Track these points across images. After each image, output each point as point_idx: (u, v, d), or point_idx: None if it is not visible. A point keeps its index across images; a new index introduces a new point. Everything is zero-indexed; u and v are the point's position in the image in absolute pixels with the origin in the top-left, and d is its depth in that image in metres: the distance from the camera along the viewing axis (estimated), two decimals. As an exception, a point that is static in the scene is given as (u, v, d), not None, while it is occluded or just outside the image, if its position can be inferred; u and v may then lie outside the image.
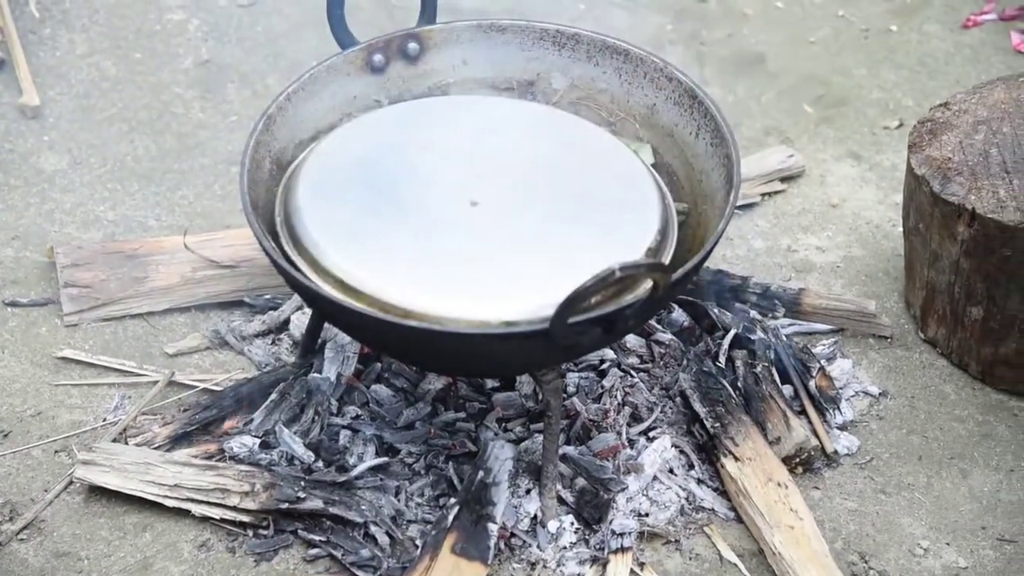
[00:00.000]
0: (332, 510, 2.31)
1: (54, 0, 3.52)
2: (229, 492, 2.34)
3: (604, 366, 2.59)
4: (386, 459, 2.41)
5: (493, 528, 2.27)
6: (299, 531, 2.34)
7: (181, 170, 3.12)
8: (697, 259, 2.16)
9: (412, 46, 2.54)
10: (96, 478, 2.38)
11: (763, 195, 3.07)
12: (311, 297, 2.20)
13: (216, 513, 2.33)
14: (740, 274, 2.78)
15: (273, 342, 2.69)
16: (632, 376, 2.58)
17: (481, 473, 2.33)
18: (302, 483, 2.34)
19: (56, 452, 2.49)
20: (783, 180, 3.11)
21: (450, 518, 2.27)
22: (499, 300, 2.10)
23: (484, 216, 2.24)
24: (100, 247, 2.80)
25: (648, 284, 2.05)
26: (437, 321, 2.07)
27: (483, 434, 2.45)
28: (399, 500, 2.36)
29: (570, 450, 2.42)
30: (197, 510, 2.34)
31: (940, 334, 2.71)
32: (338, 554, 2.30)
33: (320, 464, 2.40)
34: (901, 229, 2.81)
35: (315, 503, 2.31)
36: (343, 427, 2.47)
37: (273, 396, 2.50)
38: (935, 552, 2.38)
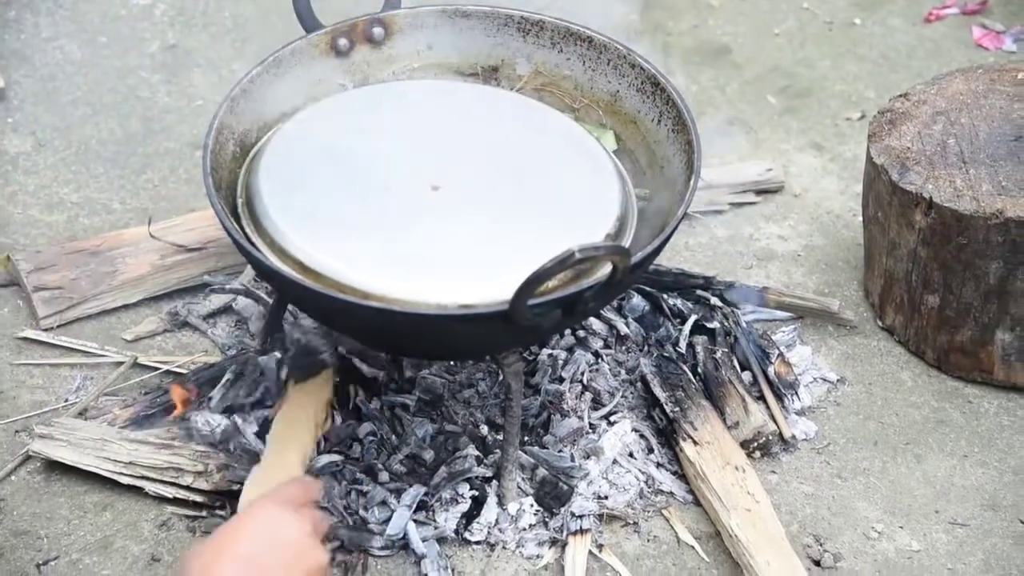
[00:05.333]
0: (287, 491, 2.31)
1: (20, -17, 3.51)
2: (183, 472, 2.34)
3: (566, 352, 2.60)
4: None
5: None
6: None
7: (146, 153, 3.12)
8: (657, 243, 2.18)
9: (377, 31, 2.54)
10: (52, 452, 2.37)
11: (731, 204, 3.06)
12: (273, 278, 2.21)
13: (170, 492, 2.34)
14: (703, 274, 2.78)
15: (236, 324, 2.68)
16: (594, 362, 2.60)
17: None
18: (257, 464, 2.34)
19: (16, 432, 2.49)
20: (758, 193, 3.09)
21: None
22: (458, 283, 2.11)
23: (445, 200, 2.25)
24: (60, 248, 2.76)
25: (608, 267, 2.07)
26: (396, 303, 2.08)
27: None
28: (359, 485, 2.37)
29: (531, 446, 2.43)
30: (151, 488, 2.34)
31: (898, 322, 2.74)
32: None
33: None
34: (861, 218, 2.84)
35: (269, 484, 2.31)
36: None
37: (227, 376, 2.49)
38: (889, 535, 2.41)
